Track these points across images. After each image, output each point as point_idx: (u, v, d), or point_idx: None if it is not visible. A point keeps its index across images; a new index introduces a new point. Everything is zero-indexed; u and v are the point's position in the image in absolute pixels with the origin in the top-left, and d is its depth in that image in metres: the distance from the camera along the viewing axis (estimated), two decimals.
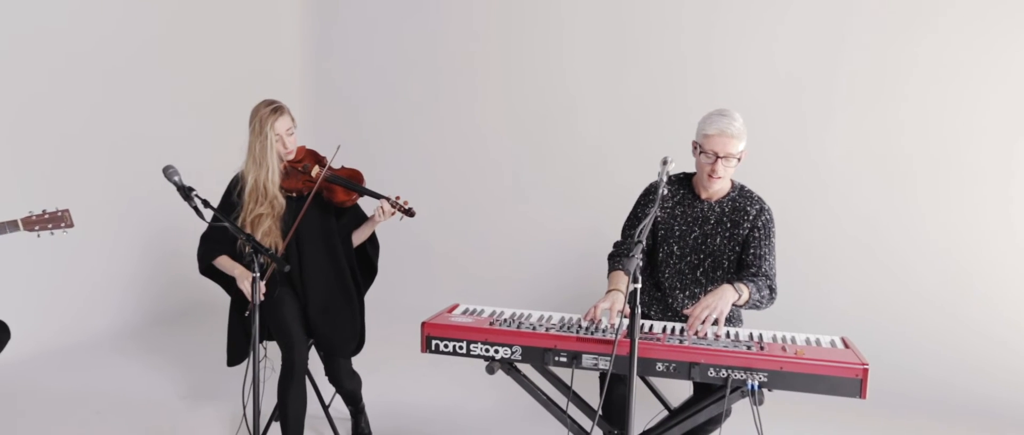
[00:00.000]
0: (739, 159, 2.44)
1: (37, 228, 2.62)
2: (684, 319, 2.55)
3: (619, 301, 2.31)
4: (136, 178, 4.58)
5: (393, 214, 2.75)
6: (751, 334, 2.32)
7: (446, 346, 2.31)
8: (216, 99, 5.10)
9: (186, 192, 2.38)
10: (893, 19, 4.05)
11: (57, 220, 2.65)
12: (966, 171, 3.97)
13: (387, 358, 3.78)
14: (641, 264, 1.98)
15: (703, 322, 2.25)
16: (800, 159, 4.27)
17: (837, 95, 4.18)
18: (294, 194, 2.78)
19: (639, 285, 1.93)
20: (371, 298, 3.01)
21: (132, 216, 4.66)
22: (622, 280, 2.40)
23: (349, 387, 2.97)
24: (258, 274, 2.34)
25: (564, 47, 4.85)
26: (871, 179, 4.15)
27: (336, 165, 2.85)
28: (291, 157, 2.79)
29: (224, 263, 2.73)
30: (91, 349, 4.16)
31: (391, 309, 4.12)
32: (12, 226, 2.54)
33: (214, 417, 3.34)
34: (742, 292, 2.33)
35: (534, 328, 2.29)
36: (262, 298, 2.50)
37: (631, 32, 4.65)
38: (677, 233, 2.56)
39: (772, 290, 2.46)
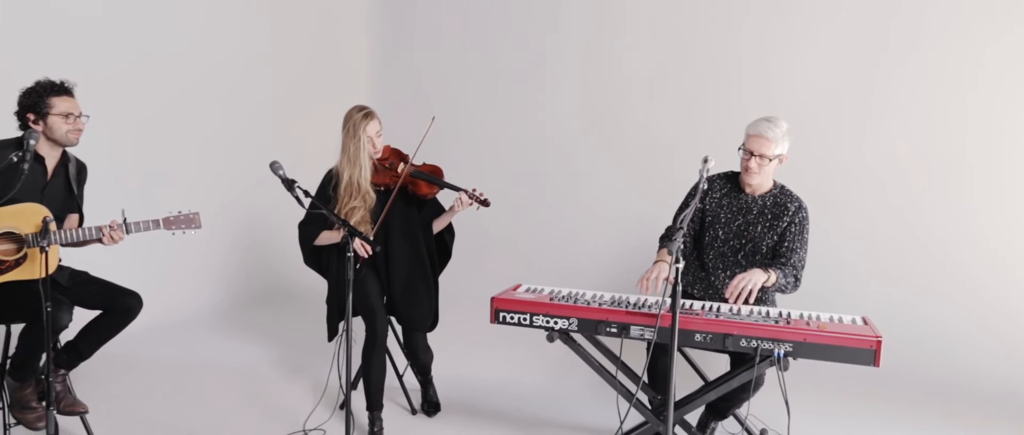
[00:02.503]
0: (774, 161, 2.76)
1: (173, 228, 2.90)
2: (723, 299, 2.88)
3: (664, 270, 2.65)
4: (227, 179, 5.12)
5: (471, 205, 3.11)
6: (780, 312, 2.62)
7: (512, 318, 2.67)
8: (298, 105, 5.63)
9: (289, 184, 2.77)
10: (929, 26, 4.26)
11: (189, 221, 2.93)
12: (1006, 167, 4.16)
13: (454, 337, 4.17)
14: (683, 247, 2.32)
15: (740, 291, 2.56)
16: (845, 156, 4.49)
17: (875, 99, 4.40)
18: (382, 188, 3.17)
19: (681, 265, 2.26)
20: (443, 280, 3.39)
21: (225, 213, 5.18)
22: (667, 256, 2.74)
23: (424, 360, 3.36)
24: (352, 255, 2.71)
25: (626, 48, 5.13)
26: (913, 175, 4.35)
27: (417, 161, 3.23)
28: (379, 156, 3.18)
29: (324, 237, 3.11)
30: (190, 325, 4.68)
31: (458, 293, 4.50)
32: (155, 224, 2.85)
33: (301, 384, 3.77)
34: (771, 275, 2.64)
35: (588, 303, 2.63)
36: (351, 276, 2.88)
37: (691, 35, 4.91)
38: (722, 220, 2.91)
39: (797, 279, 2.78)
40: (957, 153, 4.25)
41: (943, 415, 3.59)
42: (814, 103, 4.54)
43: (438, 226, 3.28)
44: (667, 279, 2.32)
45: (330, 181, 3.15)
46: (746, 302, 2.61)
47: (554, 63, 5.41)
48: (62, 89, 2.78)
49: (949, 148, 4.27)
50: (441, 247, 3.35)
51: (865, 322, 2.52)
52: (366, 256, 2.96)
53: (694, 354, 3.32)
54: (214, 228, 5.20)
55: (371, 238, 3.00)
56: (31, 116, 2.73)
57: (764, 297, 2.90)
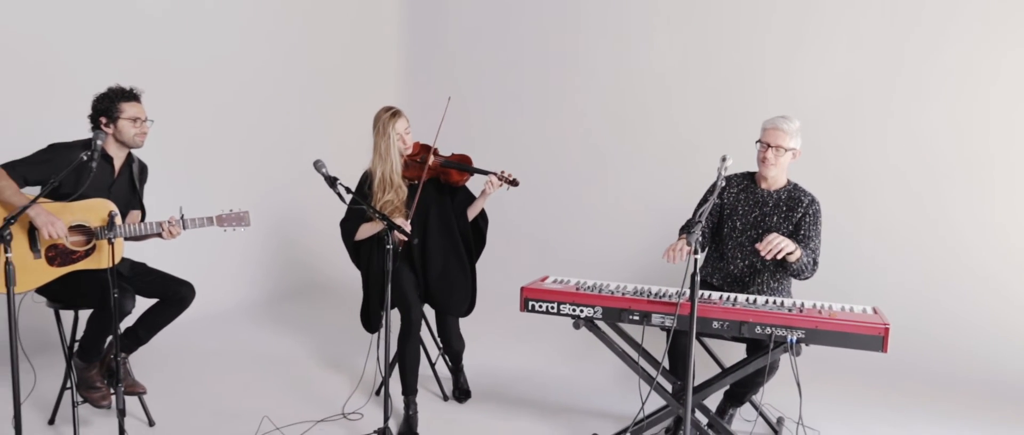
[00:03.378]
0: (789, 153, 2.94)
1: (225, 225, 3.11)
2: (739, 288, 3.05)
3: (686, 245, 2.82)
4: (263, 178, 5.37)
5: (501, 186, 3.29)
6: (794, 302, 2.78)
7: (540, 306, 2.85)
8: (332, 107, 5.87)
9: (331, 181, 2.96)
10: (945, 26, 4.37)
11: (239, 219, 3.14)
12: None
13: (484, 328, 4.36)
14: (701, 239, 2.48)
15: (772, 247, 2.70)
16: (867, 152, 4.59)
17: (896, 97, 4.51)
18: (414, 182, 3.37)
19: (700, 255, 2.43)
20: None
21: (262, 210, 5.40)
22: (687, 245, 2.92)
23: (456, 347, 3.55)
24: (391, 247, 2.90)
25: (652, 49, 5.27)
26: (934, 171, 4.44)
27: (446, 152, 3.42)
28: (409, 152, 3.38)
29: (364, 229, 3.31)
30: (232, 317, 4.93)
31: (489, 286, 4.66)
32: (208, 221, 3.06)
33: (338, 372, 3.98)
34: (798, 250, 2.79)
35: (612, 293, 2.81)
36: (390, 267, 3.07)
37: (716, 34, 5.04)
38: (740, 213, 3.09)
39: (815, 263, 2.95)
40: (979, 149, 4.32)
41: (962, 408, 3.68)
42: (836, 101, 4.65)
43: (473, 212, 3.45)
44: (689, 252, 2.46)
45: (365, 181, 3.35)
46: (774, 258, 2.76)
47: (582, 63, 5.57)
48: (131, 95, 3.02)
49: (971, 144, 4.34)
50: (477, 234, 3.53)
51: (875, 311, 2.66)
52: (404, 241, 3.13)
53: (712, 344, 3.48)
54: (253, 225, 5.47)
55: (407, 229, 3.19)
56: (103, 119, 2.97)
57: (780, 287, 3.06)
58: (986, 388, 3.94)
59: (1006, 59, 4.23)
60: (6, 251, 2.38)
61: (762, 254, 2.72)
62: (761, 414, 3.37)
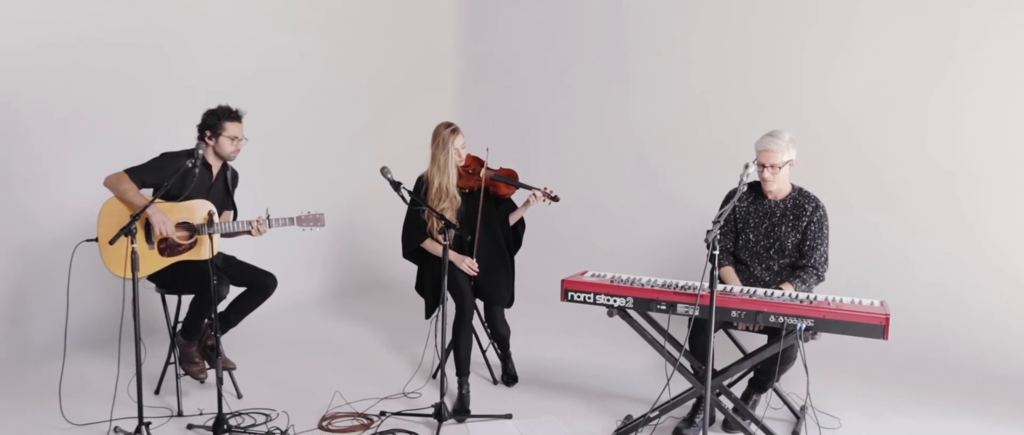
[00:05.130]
0: (785, 167, 3.26)
1: (304, 225, 3.53)
2: (761, 284, 3.36)
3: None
4: (327, 184, 5.87)
5: (543, 200, 3.70)
6: (807, 296, 3.07)
7: (578, 297, 3.21)
8: (393, 118, 6.35)
9: (396, 185, 3.39)
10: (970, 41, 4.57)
11: (316, 220, 3.56)
12: None
13: (531, 322, 4.75)
14: (718, 237, 2.80)
15: None
16: (905, 157, 4.80)
17: (932, 105, 4.71)
18: (467, 191, 3.78)
19: (718, 252, 2.76)
20: (523, 273, 3.97)
21: (329, 213, 5.90)
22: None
23: (502, 333, 3.94)
24: (449, 242, 3.33)
25: (692, 64, 5.59)
26: (969, 174, 4.62)
27: (495, 166, 3.82)
28: (462, 164, 3.79)
29: (427, 245, 3.76)
30: (304, 309, 5.44)
31: (534, 284, 5.06)
32: (290, 221, 3.50)
33: (398, 358, 4.42)
34: (785, 289, 3.17)
35: (643, 285, 3.15)
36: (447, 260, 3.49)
37: (757, 47, 5.31)
38: (751, 225, 3.41)
39: (819, 276, 3.31)
40: (1016, 154, 4.48)
41: (990, 405, 3.83)
42: (871, 111, 4.87)
43: (513, 219, 3.88)
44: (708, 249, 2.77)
45: (421, 186, 3.78)
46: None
47: (626, 74, 5.92)
48: (235, 116, 3.49)
49: (1008, 150, 4.49)
50: (515, 237, 3.95)
51: (882, 304, 2.93)
52: (473, 273, 3.70)
53: (740, 336, 3.78)
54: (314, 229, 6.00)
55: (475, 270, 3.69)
56: (207, 132, 3.47)
57: (804, 288, 3.36)
58: (1018, 387, 4.08)
59: None
60: (132, 242, 2.88)
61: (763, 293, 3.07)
62: (785, 402, 3.66)
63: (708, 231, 2.80)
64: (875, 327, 2.77)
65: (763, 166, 3.28)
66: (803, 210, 3.33)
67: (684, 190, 5.64)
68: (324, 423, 3.38)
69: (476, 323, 3.91)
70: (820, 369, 4.11)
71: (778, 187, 3.34)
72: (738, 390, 3.67)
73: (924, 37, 4.71)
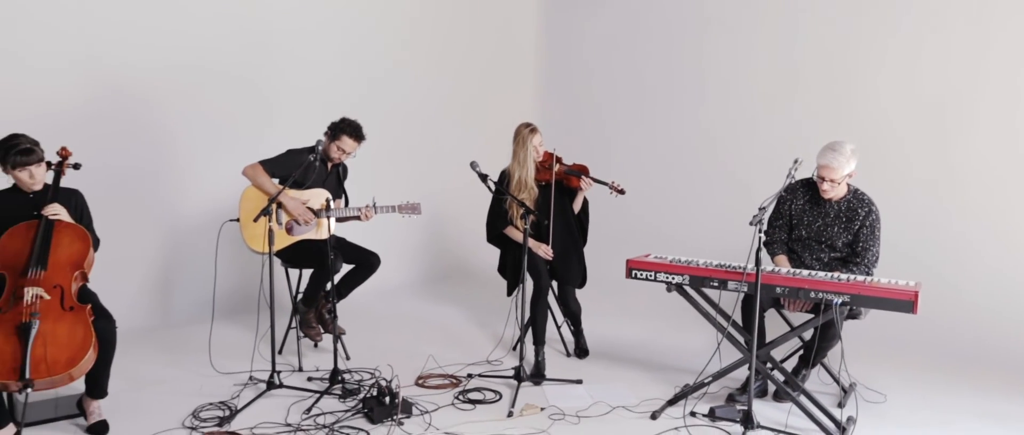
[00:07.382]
0: (846, 177, 3.54)
1: (405, 212, 4.13)
2: (807, 267, 3.71)
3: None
4: (415, 179, 6.46)
5: (610, 193, 4.15)
6: (846, 276, 3.41)
7: (641, 275, 3.65)
8: (477, 117, 6.91)
9: (483, 177, 3.94)
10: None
11: (414, 208, 4.15)
12: None
13: (601, 304, 5.19)
14: (785, 238, 3.15)
15: None
16: (957, 153, 4.96)
17: (983, 105, 4.88)
18: (543, 183, 4.28)
19: (763, 235, 3.16)
20: (595, 258, 4.44)
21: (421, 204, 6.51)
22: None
23: (574, 309, 4.43)
24: (528, 226, 3.85)
25: (755, 71, 5.90)
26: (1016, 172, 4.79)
27: (568, 161, 4.30)
28: (540, 159, 4.29)
29: (509, 231, 4.28)
30: (399, 292, 6.06)
31: (604, 268, 5.48)
32: (392, 209, 4.10)
33: (483, 333, 4.96)
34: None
35: (698, 265, 3.57)
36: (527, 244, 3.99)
37: (814, 53, 5.58)
38: (805, 222, 3.75)
39: (868, 274, 3.55)
40: None
41: None
42: (922, 111, 5.08)
43: (576, 206, 4.30)
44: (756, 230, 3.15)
45: (503, 178, 4.30)
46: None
47: (700, 72, 6.26)
48: (354, 133, 4.05)
49: None
50: (581, 226, 4.40)
51: (916, 284, 3.25)
52: (549, 258, 4.19)
53: (789, 317, 4.13)
54: (413, 216, 6.62)
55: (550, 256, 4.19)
56: (329, 133, 4.10)
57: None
58: None
59: None
60: (269, 221, 3.52)
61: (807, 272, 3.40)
62: (834, 378, 3.98)
63: (754, 215, 3.19)
64: (905, 302, 3.10)
65: (822, 179, 3.56)
66: (856, 214, 3.61)
67: (748, 180, 5.92)
68: (420, 381, 3.95)
69: (551, 301, 4.40)
70: (872, 352, 4.43)
71: (834, 194, 3.63)
72: (789, 366, 4.02)
73: (974, 37, 4.88)
